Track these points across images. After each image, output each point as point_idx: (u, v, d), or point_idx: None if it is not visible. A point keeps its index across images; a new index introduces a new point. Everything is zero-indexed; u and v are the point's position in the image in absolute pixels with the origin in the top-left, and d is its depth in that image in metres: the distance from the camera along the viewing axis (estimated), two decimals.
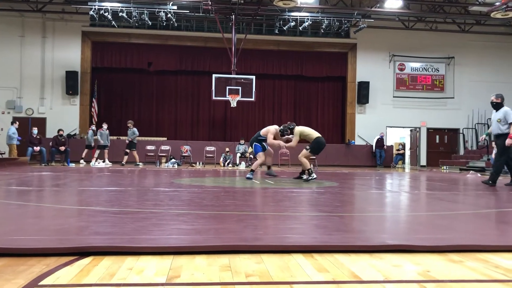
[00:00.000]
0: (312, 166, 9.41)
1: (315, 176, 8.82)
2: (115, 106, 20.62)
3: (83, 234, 2.95)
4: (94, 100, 19.73)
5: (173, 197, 5.58)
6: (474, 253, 2.65)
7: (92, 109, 19.67)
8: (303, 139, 9.19)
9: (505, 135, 8.28)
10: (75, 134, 18.96)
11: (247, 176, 9.22)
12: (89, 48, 19.98)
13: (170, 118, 20.89)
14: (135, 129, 15.95)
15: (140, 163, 15.86)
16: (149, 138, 18.60)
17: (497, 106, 8.77)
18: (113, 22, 16.88)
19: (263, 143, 9.57)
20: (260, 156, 9.42)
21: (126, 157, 15.82)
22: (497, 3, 16.07)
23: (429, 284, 2.02)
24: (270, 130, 9.37)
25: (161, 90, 20.89)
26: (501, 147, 8.36)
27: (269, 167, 10.17)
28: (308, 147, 9.02)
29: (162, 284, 1.97)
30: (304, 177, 8.95)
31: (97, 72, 20.32)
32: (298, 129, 9.13)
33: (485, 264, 2.40)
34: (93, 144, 16.09)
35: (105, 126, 16.49)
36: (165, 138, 19.22)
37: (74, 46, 19.75)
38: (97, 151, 16.05)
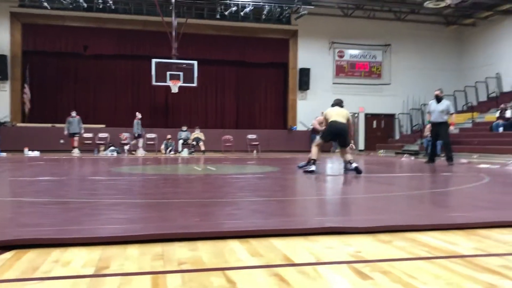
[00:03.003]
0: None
1: (312, 168, 7.32)
2: (50, 92, 19.60)
3: (7, 226, 2.78)
4: (26, 85, 18.67)
5: (110, 186, 5.41)
6: (403, 232, 2.76)
7: (24, 95, 18.62)
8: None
9: (445, 123, 10.04)
10: (5, 122, 17.89)
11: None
12: (19, 31, 18.81)
13: (109, 104, 20.19)
14: None
15: None
16: (86, 125, 17.86)
17: (440, 98, 10.18)
18: (45, 3, 15.95)
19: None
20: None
21: None
22: None
23: (358, 264, 2.08)
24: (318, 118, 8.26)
25: (99, 75, 20.12)
26: (445, 133, 10.07)
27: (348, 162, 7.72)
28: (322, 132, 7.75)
29: (89, 276, 1.89)
30: (302, 164, 7.93)
31: (29, 56, 19.19)
32: (327, 110, 7.77)
33: (412, 243, 2.51)
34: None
35: (73, 113, 16.03)
36: (104, 125, 18.57)
37: (2, 28, 18.52)
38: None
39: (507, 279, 1.87)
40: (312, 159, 7.46)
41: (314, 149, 7.53)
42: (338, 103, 7.77)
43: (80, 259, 2.14)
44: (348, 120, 7.58)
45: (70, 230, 2.63)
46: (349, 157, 7.47)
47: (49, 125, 17.92)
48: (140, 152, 16.20)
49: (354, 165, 7.27)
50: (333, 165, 10.08)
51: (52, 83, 19.65)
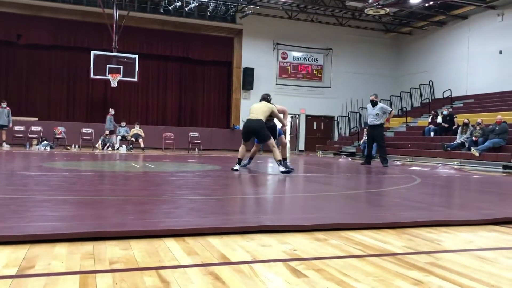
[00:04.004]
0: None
1: (236, 167, 7.45)
2: None
3: None
4: None
5: (40, 181, 5.14)
6: (338, 231, 2.82)
7: None
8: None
9: (380, 126, 10.50)
10: None
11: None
12: None
13: (43, 97, 19.22)
14: None
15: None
16: (18, 118, 16.91)
17: (375, 103, 10.58)
18: None
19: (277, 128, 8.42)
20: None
21: None
22: (370, 0, 17.35)
23: (293, 262, 2.09)
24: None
25: (33, 66, 19.09)
26: (379, 135, 10.62)
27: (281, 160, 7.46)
28: None
29: (12, 277, 1.77)
30: (245, 163, 7.96)
31: None
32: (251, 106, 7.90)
33: (346, 241, 2.57)
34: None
35: (3, 104, 14.99)
36: (37, 118, 17.65)
37: None
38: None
39: (432, 275, 1.96)
40: (238, 158, 7.59)
41: (240, 148, 7.67)
42: (265, 97, 7.86)
43: (2, 258, 2.00)
44: (272, 113, 7.59)
45: None
46: (277, 156, 7.30)
47: None
48: (124, 149, 15.83)
49: (281, 168, 7.20)
50: (274, 164, 10.17)
51: None
